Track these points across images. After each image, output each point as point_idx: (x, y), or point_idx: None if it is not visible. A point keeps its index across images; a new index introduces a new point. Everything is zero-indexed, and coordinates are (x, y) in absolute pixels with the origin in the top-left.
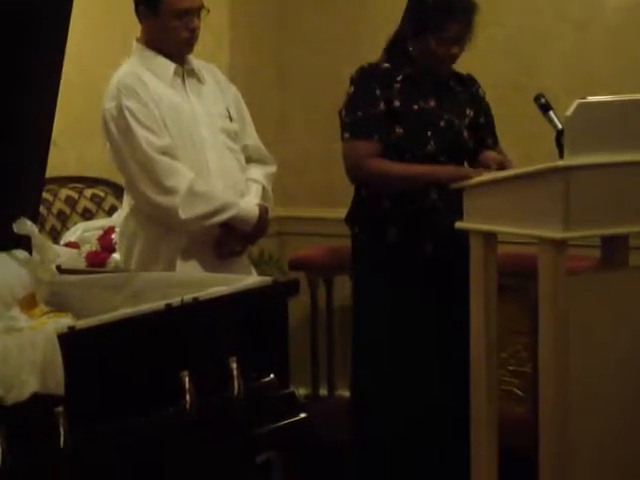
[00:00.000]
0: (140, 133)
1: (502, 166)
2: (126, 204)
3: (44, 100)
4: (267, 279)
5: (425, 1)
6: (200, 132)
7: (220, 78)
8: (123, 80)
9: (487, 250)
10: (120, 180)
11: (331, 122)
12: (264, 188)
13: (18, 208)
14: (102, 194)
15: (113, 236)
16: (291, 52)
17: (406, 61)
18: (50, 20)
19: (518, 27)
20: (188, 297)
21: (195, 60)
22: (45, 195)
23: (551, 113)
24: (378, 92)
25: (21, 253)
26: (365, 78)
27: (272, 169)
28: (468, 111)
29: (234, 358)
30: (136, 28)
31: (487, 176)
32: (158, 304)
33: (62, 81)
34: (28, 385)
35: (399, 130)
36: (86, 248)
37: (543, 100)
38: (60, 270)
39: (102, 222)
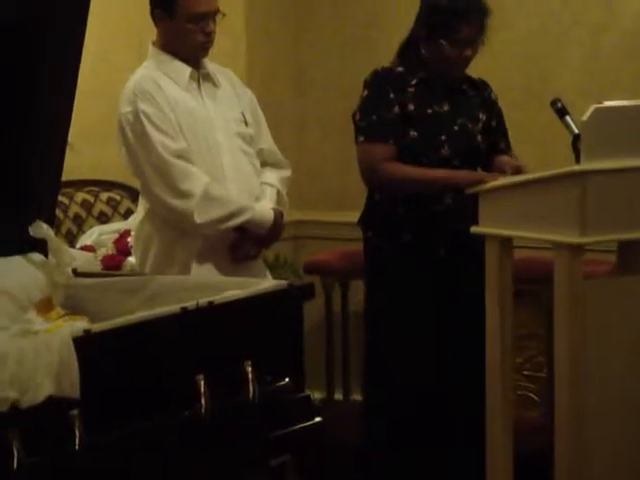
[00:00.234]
0: (156, 137)
1: (518, 171)
2: (141, 208)
3: (60, 103)
4: (282, 283)
5: (437, 4)
6: (215, 136)
7: (235, 82)
8: (139, 84)
9: (503, 255)
10: (136, 184)
11: (347, 126)
12: (279, 192)
13: (34, 211)
14: (118, 198)
15: (129, 239)
16: (308, 56)
17: (419, 65)
18: (67, 25)
19: (533, 31)
20: (203, 301)
21: (210, 64)
22: (61, 198)
23: (567, 118)
24: (392, 96)
25: (37, 256)
26: (379, 82)
27: (287, 173)
28: (481, 115)
29: (249, 362)
30: (152, 32)
31: (503, 181)
32: (173, 307)
33: (78, 85)
34: (43, 388)
35: (413, 134)
36: (102, 251)
37: (559, 105)
38: (76, 273)
39: (118, 225)
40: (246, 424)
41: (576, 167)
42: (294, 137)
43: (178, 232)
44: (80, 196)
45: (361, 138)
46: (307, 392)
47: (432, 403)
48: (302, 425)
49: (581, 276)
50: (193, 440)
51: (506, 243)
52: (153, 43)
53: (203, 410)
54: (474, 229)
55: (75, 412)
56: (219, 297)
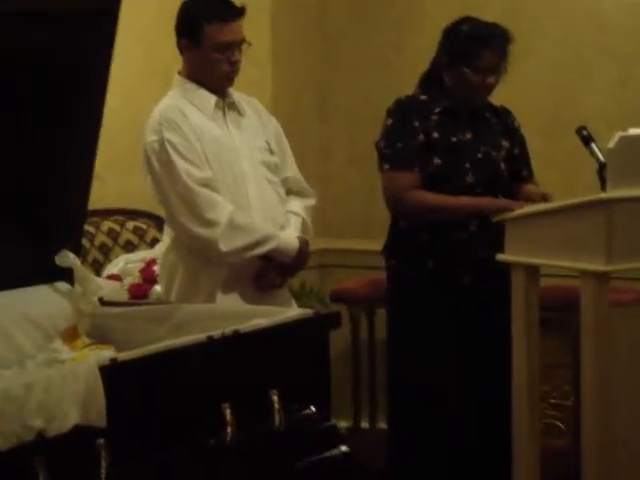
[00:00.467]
0: (181, 165)
1: (545, 199)
2: (167, 236)
3: (87, 133)
4: (308, 311)
5: (460, 31)
6: (240, 165)
7: (261, 111)
8: (165, 113)
9: (529, 283)
10: (162, 212)
11: (372, 154)
12: (304, 220)
13: (61, 240)
14: (144, 226)
15: (155, 268)
16: (333, 84)
17: (442, 93)
18: (93, 55)
19: (560, 58)
20: (229, 329)
21: (236, 93)
22: (87, 227)
23: (593, 145)
24: (417, 124)
25: (63, 285)
26: (403, 110)
27: (312, 202)
28: (504, 143)
29: (275, 390)
30: (178, 61)
31: (529, 208)
32: (199, 336)
33: (105, 114)
34: (70, 417)
35: (437, 161)
36: (128, 280)
37: (585, 132)
38: (102, 302)
39: (144, 254)
40: (272, 453)
41: (602, 195)
42: (319, 165)
43: (203, 261)
44: (106, 225)
45: (386, 166)
46: (333, 421)
47: (456, 431)
48: (328, 454)
49: (607, 304)
50: (219, 469)
51: (532, 271)
52: (179, 72)
53: (229, 439)
54: (500, 257)
55: (101, 441)
56: (245, 326)
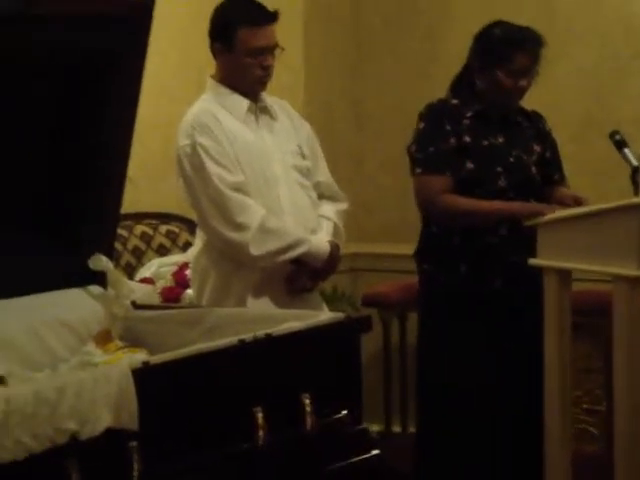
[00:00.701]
0: (213, 169)
1: (578, 203)
2: (199, 240)
3: (120, 136)
4: (340, 315)
5: (493, 33)
6: (272, 169)
7: (293, 115)
8: (197, 117)
9: (561, 287)
10: (194, 216)
11: (404, 159)
12: (335, 225)
13: (94, 244)
14: (177, 230)
15: (187, 272)
16: (366, 89)
17: (474, 97)
18: (126, 59)
19: (593, 63)
20: (261, 333)
21: (268, 97)
22: (120, 231)
23: (626, 150)
24: (448, 128)
25: (96, 289)
26: (435, 114)
27: (344, 206)
28: (536, 147)
29: (307, 394)
30: (211, 65)
31: (562, 213)
32: (231, 340)
33: (137, 118)
34: (102, 420)
35: (469, 165)
36: (161, 284)
37: (618, 137)
38: (135, 306)
39: (176, 258)
40: (303, 457)
41: (635, 199)
42: (351, 169)
43: (235, 265)
44: (139, 229)
45: (418, 170)
46: (365, 425)
47: (486, 436)
48: (359, 458)
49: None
50: (251, 472)
51: (564, 275)
52: (212, 76)
53: (261, 442)
54: (532, 261)
55: (134, 444)
56: (277, 329)
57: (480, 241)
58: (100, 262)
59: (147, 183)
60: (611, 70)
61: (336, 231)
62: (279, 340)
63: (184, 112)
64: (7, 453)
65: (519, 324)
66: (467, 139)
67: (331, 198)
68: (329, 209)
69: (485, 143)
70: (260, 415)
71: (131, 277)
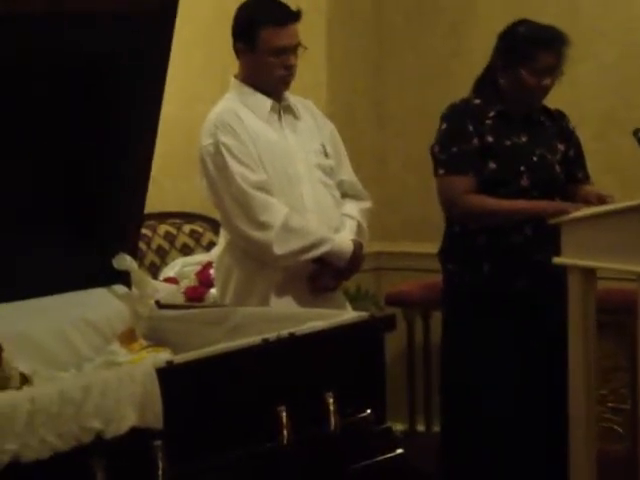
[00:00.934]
0: (236, 168)
1: (602, 201)
2: (223, 239)
3: (144, 136)
4: (363, 314)
5: (517, 32)
6: (295, 168)
7: (316, 113)
8: (220, 117)
9: (586, 286)
10: (218, 216)
11: (428, 157)
12: (359, 224)
13: (118, 244)
14: (200, 230)
15: (211, 271)
16: (389, 88)
17: (497, 97)
18: (150, 59)
19: (616, 61)
20: (285, 332)
21: (291, 96)
22: (144, 231)
23: None
24: (471, 128)
25: (120, 288)
26: (457, 114)
27: (367, 205)
28: (559, 146)
29: (331, 393)
30: (234, 65)
31: (586, 211)
32: (255, 339)
33: (162, 117)
34: (127, 419)
35: (492, 165)
36: (185, 283)
37: None
38: (159, 305)
39: (200, 257)
40: (327, 456)
41: None
42: (375, 168)
43: (258, 264)
44: (163, 228)
45: (441, 171)
46: (388, 424)
47: (511, 435)
48: (383, 457)
49: None
50: (274, 472)
51: (589, 274)
52: (235, 76)
53: (285, 442)
54: (556, 260)
55: (158, 443)
56: (300, 329)
57: (505, 240)
58: (124, 262)
59: (171, 183)
60: (634, 68)
61: (359, 230)
62: (303, 339)
63: (208, 112)
64: (32, 452)
65: (544, 323)
66: (490, 139)
67: (355, 197)
68: (353, 208)
69: (508, 143)
70: (284, 414)
71: (155, 277)
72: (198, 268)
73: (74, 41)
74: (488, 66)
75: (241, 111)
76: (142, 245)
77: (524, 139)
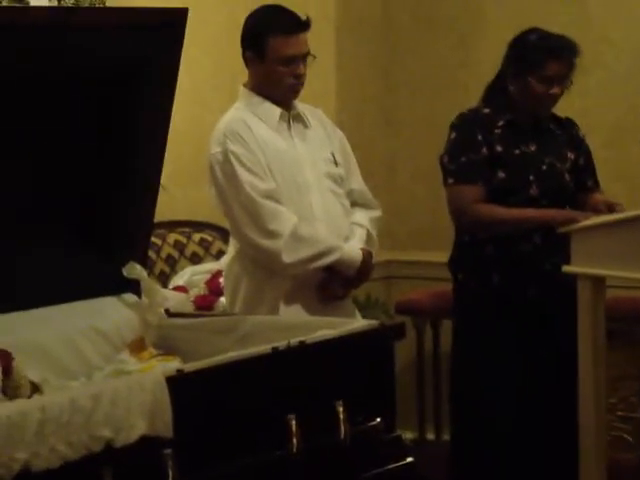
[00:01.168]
0: (245, 177)
1: (612, 209)
2: (232, 248)
3: (153, 145)
4: (373, 323)
5: (527, 40)
6: (305, 176)
7: (326, 122)
8: (229, 125)
9: (595, 294)
10: (227, 224)
11: (437, 167)
12: (368, 232)
13: (127, 252)
14: (210, 238)
15: (221, 280)
16: (398, 97)
17: (506, 106)
18: (160, 68)
19: (626, 70)
20: (295, 341)
21: (301, 104)
22: (154, 240)
23: None
24: (480, 137)
25: (130, 297)
26: (466, 124)
27: (377, 213)
28: (569, 154)
29: (340, 402)
30: (243, 74)
31: (596, 219)
32: (265, 348)
33: (170, 126)
34: (137, 427)
35: (501, 174)
36: (194, 292)
37: None
38: (168, 314)
39: (210, 266)
40: (337, 464)
41: None
42: (384, 177)
43: (267, 272)
44: (172, 237)
45: (450, 180)
46: (398, 432)
47: (520, 444)
48: (393, 465)
49: None
50: None
51: (599, 282)
52: (244, 85)
53: (295, 450)
54: (566, 268)
55: (168, 451)
56: (310, 337)
57: (514, 249)
58: (134, 270)
59: (180, 191)
60: None
61: (369, 239)
62: (313, 348)
63: (217, 120)
64: (43, 461)
65: (553, 332)
66: (499, 148)
67: (364, 206)
68: (362, 216)
69: (517, 152)
70: (294, 423)
71: (165, 285)
72: (207, 277)
73: (85, 51)
74: (498, 74)
75: (250, 120)
76: (152, 254)
77: (533, 148)
